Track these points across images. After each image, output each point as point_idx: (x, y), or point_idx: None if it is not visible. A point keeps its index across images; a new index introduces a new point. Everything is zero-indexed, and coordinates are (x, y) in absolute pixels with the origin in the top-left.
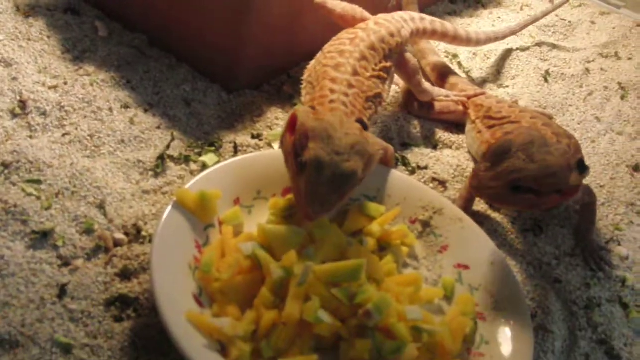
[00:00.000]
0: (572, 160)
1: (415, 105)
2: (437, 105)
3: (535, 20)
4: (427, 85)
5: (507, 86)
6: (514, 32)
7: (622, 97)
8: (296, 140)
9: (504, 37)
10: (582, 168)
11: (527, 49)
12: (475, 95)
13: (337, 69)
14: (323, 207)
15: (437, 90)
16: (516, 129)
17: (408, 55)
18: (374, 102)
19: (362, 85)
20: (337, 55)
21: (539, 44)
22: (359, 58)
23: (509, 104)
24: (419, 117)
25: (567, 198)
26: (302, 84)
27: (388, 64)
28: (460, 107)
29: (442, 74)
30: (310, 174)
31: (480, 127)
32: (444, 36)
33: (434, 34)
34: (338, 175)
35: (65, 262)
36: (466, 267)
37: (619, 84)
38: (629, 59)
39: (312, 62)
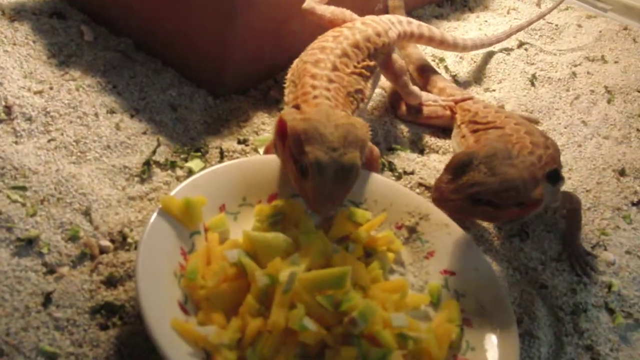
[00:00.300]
0: (538, 172)
1: (402, 109)
2: (425, 110)
3: (521, 28)
4: (414, 87)
5: (494, 90)
6: (500, 40)
7: (609, 101)
8: (291, 146)
9: (490, 44)
10: (555, 179)
11: (514, 52)
12: (463, 100)
13: (317, 65)
14: (334, 203)
15: (425, 94)
16: (485, 141)
17: (395, 56)
18: (354, 97)
19: (342, 81)
20: (318, 51)
21: (526, 48)
22: (339, 55)
23: (495, 109)
24: (407, 122)
25: (528, 211)
26: (284, 84)
27: (372, 63)
28: (448, 112)
29: (427, 77)
30: (314, 177)
31: (465, 131)
32: (430, 40)
33: (420, 38)
34: (340, 171)
35: (51, 270)
36: (452, 273)
37: (606, 87)
38: (616, 62)
39: (295, 61)
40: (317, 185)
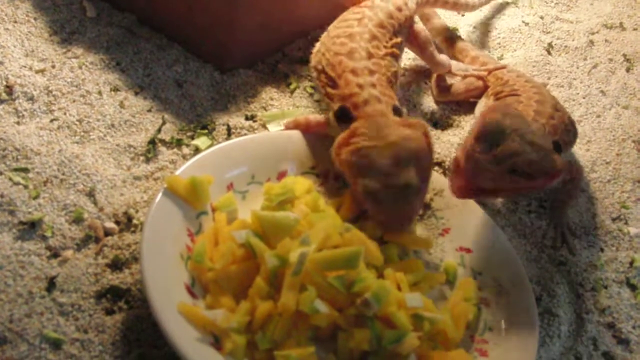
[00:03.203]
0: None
1: (434, 91)
2: (461, 85)
3: None
4: (442, 56)
5: (508, 59)
6: None
7: (628, 70)
8: (347, 173)
9: None
10: (557, 150)
11: (529, 21)
12: (496, 69)
13: (352, 57)
14: (403, 224)
15: (454, 63)
16: (495, 106)
17: (417, 26)
18: (393, 82)
19: (380, 68)
20: (347, 40)
21: (541, 16)
22: (369, 39)
23: (526, 78)
24: (443, 102)
25: (551, 182)
26: (312, 72)
27: (398, 40)
28: (480, 82)
29: (458, 46)
30: (373, 206)
31: (492, 101)
32: (445, 3)
33: (436, 2)
34: (394, 195)
35: (55, 253)
36: (468, 251)
37: (624, 55)
38: (634, 29)
39: (318, 46)
40: (380, 212)
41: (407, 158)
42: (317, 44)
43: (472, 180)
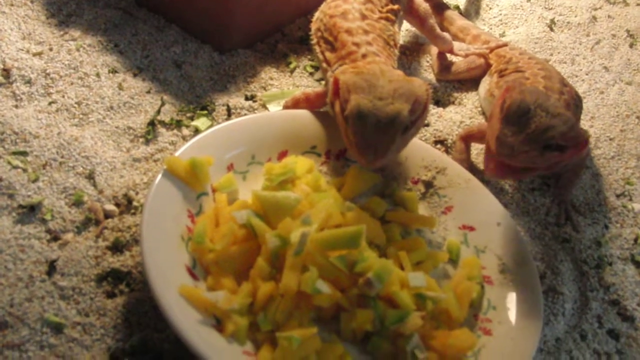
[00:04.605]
0: None
1: (435, 69)
2: (463, 63)
3: None
4: (444, 33)
5: (510, 36)
6: None
7: (631, 45)
8: (341, 99)
9: None
10: None
11: None
12: (498, 47)
13: (346, 18)
14: (376, 153)
15: (456, 44)
16: (512, 83)
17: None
18: (389, 44)
19: (375, 29)
20: (341, 2)
21: None
22: (363, 1)
23: (529, 55)
24: (444, 81)
25: (581, 152)
26: (311, 39)
27: (395, 7)
28: (482, 60)
29: (458, 25)
30: (354, 124)
31: (496, 79)
32: None
33: None
34: (382, 119)
35: (55, 237)
36: (472, 229)
37: (627, 31)
38: (638, 4)
39: (317, 14)
40: (358, 133)
41: (405, 95)
42: (317, 12)
43: (508, 164)
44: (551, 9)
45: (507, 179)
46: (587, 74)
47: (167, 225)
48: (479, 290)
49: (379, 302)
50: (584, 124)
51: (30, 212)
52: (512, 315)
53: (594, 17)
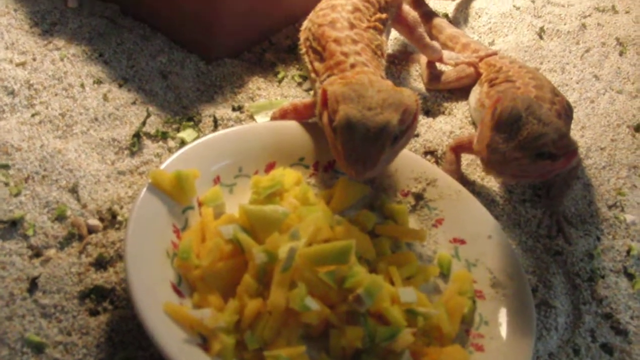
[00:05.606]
0: None
1: (424, 79)
2: (452, 72)
3: None
4: (432, 41)
5: (500, 45)
6: None
7: (621, 53)
8: (329, 110)
9: None
10: None
11: (520, 5)
12: (487, 56)
13: (334, 27)
14: (366, 165)
15: (446, 52)
16: (503, 92)
17: (406, 7)
18: (377, 53)
19: (363, 39)
20: (330, 11)
21: (532, 0)
22: (351, 10)
23: (520, 64)
24: (434, 90)
25: (571, 161)
26: (300, 48)
27: (384, 16)
28: (472, 69)
29: (447, 33)
30: (342, 135)
31: (487, 88)
32: None
33: None
34: (371, 129)
35: (37, 253)
36: (462, 242)
37: (617, 39)
38: (627, 12)
39: (305, 23)
40: (346, 144)
41: (395, 104)
42: (305, 21)
43: (500, 172)
44: (540, 17)
45: (504, 177)
46: (577, 83)
47: (152, 240)
48: (470, 305)
49: (369, 318)
50: (575, 133)
51: (11, 227)
52: (505, 330)
53: (584, 25)
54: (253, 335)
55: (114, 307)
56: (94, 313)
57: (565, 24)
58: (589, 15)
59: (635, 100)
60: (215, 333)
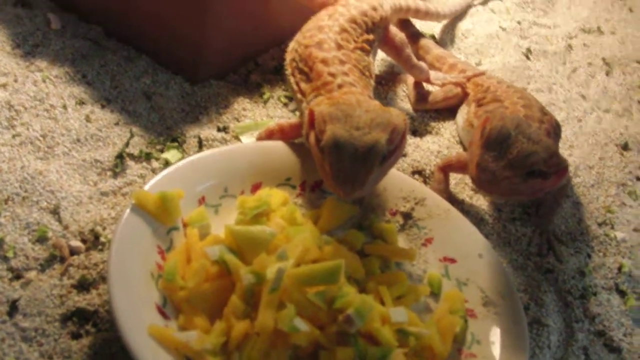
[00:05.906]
0: None
1: (411, 99)
2: (440, 93)
3: None
4: (419, 62)
5: (487, 65)
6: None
7: (607, 73)
8: (317, 130)
9: (467, 4)
10: None
11: (506, 26)
12: (475, 76)
13: (321, 48)
14: (354, 185)
15: (433, 73)
16: (492, 112)
17: (393, 29)
18: (365, 74)
19: (350, 59)
20: (317, 32)
21: (519, 21)
22: (338, 31)
23: (507, 84)
24: (421, 111)
25: (561, 179)
26: (286, 69)
27: (371, 37)
28: (459, 89)
29: (434, 54)
30: (330, 155)
31: (474, 108)
32: (417, 12)
33: (408, 11)
34: (359, 148)
35: (17, 275)
36: (453, 261)
37: (603, 59)
38: (612, 33)
39: (291, 44)
40: (334, 164)
41: (383, 124)
42: (291, 42)
43: (491, 191)
44: (527, 37)
45: (495, 196)
46: (564, 102)
47: (136, 262)
48: (462, 324)
49: (359, 339)
50: (563, 152)
51: None
52: (497, 349)
53: (570, 46)
54: (241, 357)
55: (97, 329)
56: (76, 336)
57: (551, 45)
58: (575, 36)
59: (622, 119)
60: (202, 355)
